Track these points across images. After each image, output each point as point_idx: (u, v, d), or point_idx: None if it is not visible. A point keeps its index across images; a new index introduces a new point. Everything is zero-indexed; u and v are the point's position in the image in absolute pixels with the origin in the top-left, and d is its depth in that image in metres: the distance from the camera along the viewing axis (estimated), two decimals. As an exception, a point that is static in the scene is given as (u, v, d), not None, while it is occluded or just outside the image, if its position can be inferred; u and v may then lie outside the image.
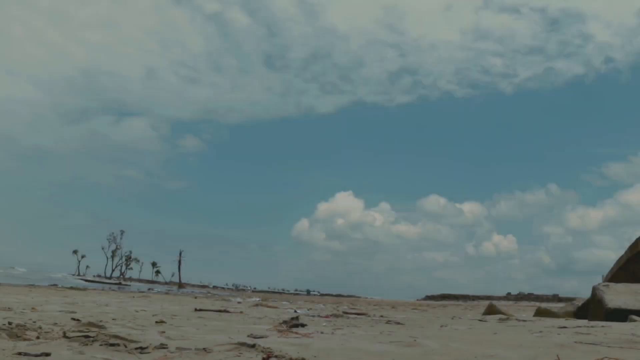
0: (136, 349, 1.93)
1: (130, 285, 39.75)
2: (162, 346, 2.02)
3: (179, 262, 71.83)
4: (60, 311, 4.03)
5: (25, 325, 2.52)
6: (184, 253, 73.61)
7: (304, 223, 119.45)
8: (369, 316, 6.01)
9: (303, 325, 3.47)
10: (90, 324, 2.88)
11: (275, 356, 1.89)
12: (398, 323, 4.30)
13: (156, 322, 3.44)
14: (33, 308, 4.13)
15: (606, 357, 1.81)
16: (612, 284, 6.51)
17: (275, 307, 7.68)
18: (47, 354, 1.71)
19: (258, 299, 15.27)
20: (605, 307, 5.75)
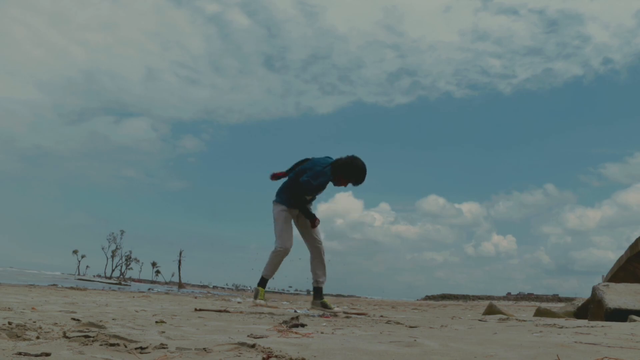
0: (136, 349, 1.93)
1: (130, 285, 39.72)
2: (162, 346, 2.02)
3: (179, 262, 71.90)
4: (60, 311, 4.03)
5: (25, 325, 2.52)
6: (184, 253, 73.74)
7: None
8: (369, 316, 6.01)
9: (303, 325, 3.47)
10: (90, 324, 2.87)
11: (275, 356, 1.88)
12: (398, 323, 4.29)
13: (156, 322, 3.44)
14: (33, 308, 4.13)
15: (606, 357, 1.81)
16: (612, 284, 6.50)
17: (275, 307, 7.67)
18: (47, 354, 1.71)
19: (258, 299, 15.25)
20: (605, 307, 5.75)
